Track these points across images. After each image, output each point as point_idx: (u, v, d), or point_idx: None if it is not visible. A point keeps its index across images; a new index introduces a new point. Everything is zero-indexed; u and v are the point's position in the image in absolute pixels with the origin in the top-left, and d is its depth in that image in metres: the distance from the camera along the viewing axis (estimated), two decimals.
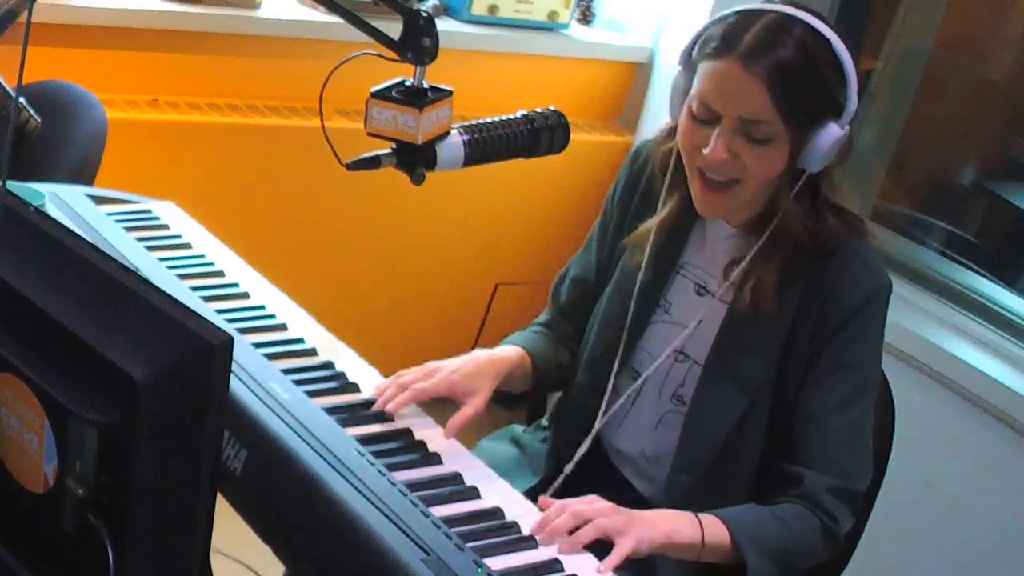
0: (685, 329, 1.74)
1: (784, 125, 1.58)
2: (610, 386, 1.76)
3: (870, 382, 1.69)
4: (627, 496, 1.70)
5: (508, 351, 1.79)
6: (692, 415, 1.72)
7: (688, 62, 1.65)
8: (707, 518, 1.56)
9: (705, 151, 1.61)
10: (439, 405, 1.68)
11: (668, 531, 1.51)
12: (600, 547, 1.47)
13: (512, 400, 1.82)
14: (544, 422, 1.93)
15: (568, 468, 1.75)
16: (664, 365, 1.75)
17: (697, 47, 1.63)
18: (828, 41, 1.58)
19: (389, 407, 1.62)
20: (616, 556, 1.43)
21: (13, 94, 2.08)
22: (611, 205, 1.86)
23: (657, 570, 1.61)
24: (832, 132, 1.59)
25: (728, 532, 1.56)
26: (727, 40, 1.59)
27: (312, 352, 1.75)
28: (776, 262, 1.66)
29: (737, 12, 1.62)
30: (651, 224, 1.76)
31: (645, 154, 1.83)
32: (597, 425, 1.76)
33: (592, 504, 1.48)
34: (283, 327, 1.80)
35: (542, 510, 1.50)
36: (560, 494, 1.65)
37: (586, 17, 3.46)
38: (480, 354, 1.74)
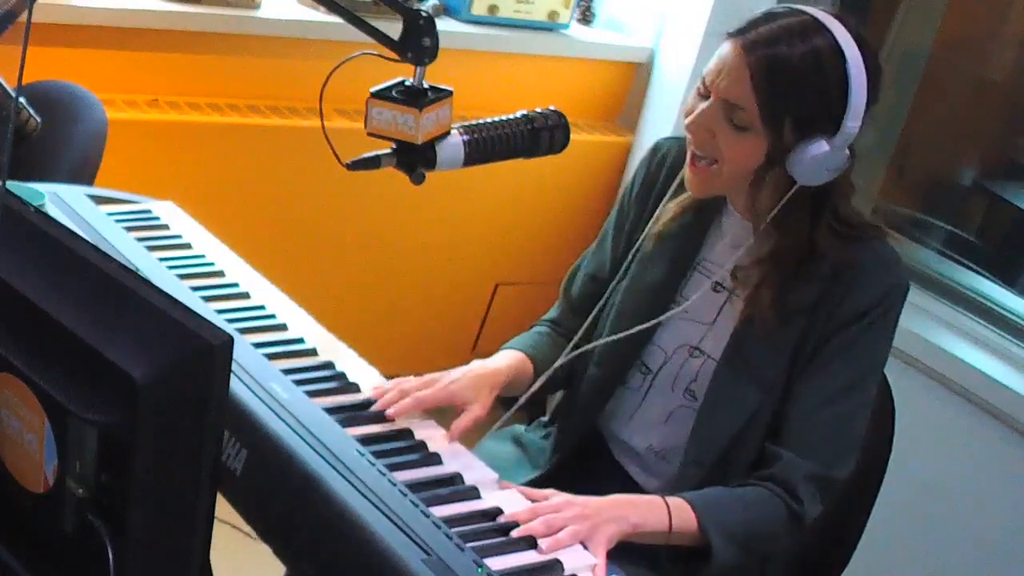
0: (700, 325, 1.74)
1: (761, 121, 1.58)
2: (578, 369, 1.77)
3: (869, 378, 1.69)
4: (628, 493, 1.70)
5: (506, 360, 1.79)
6: (705, 410, 1.72)
7: None
8: (675, 502, 1.58)
9: (686, 120, 1.63)
10: (440, 408, 1.69)
11: (636, 522, 1.53)
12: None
13: (514, 401, 1.82)
14: (545, 419, 1.93)
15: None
16: (678, 360, 1.76)
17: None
18: (845, 59, 1.56)
19: (390, 411, 1.62)
20: (600, 570, 1.45)
21: (13, 94, 2.08)
22: (628, 201, 1.86)
23: (660, 559, 1.63)
24: (817, 147, 1.57)
25: (695, 516, 1.58)
26: (749, 24, 1.60)
27: (312, 352, 1.75)
28: (776, 275, 1.66)
29: (788, 5, 1.63)
30: (664, 213, 1.77)
31: (663, 151, 1.83)
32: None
33: (560, 512, 1.49)
34: (283, 327, 1.80)
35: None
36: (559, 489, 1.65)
37: (586, 17, 3.45)
38: (477, 366, 1.74)
